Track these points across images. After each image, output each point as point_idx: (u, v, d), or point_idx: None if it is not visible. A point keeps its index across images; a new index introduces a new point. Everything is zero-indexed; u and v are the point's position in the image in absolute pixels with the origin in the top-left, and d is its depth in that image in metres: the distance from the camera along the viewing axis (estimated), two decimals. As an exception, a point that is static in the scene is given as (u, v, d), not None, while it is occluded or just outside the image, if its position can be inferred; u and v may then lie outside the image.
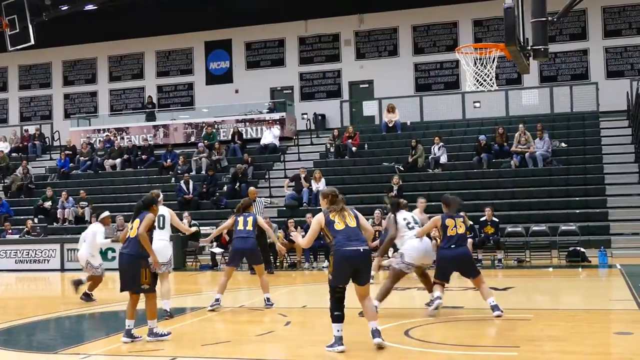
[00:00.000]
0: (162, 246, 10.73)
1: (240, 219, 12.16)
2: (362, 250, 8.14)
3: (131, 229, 9.29)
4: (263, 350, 8.95)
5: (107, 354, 8.77)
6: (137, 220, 9.22)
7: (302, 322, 11.11)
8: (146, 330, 9.22)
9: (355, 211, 8.50)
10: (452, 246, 10.54)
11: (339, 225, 8.23)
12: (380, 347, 8.07)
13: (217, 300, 11.89)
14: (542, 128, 23.70)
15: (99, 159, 28.93)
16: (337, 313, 8.17)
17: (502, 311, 10.23)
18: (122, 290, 9.34)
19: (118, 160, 28.64)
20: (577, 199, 21.55)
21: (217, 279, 18.13)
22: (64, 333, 11.22)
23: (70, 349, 8.99)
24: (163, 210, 11.31)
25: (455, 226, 10.57)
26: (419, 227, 11.00)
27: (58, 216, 25.29)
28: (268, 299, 12.02)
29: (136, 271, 9.03)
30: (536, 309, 11.73)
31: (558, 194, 21.91)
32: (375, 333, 8.13)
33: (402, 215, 11.19)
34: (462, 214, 10.88)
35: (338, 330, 8.15)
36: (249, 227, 12.05)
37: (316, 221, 8.39)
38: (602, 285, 15.40)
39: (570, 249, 18.73)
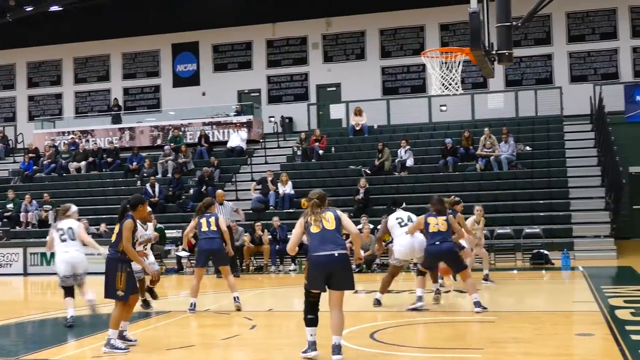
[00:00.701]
0: (70, 257, 10.82)
1: (203, 220, 12.19)
2: (336, 254, 7.82)
3: (114, 232, 9.07)
4: (228, 354, 8.92)
5: (70, 359, 8.67)
6: (118, 226, 8.97)
7: (268, 325, 11.09)
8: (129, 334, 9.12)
9: (339, 213, 8.13)
10: (437, 242, 11.27)
11: (314, 229, 7.96)
12: None
13: (192, 305, 11.92)
14: (507, 132, 23.92)
15: (63, 161, 28.62)
16: (310, 316, 7.92)
17: (484, 308, 11.01)
18: (105, 296, 9.09)
19: (83, 163, 28.36)
20: (541, 202, 21.78)
21: (183, 283, 18.10)
22: (26, 338, 11.08)
23: (32, 354, 8.88)
24: (72, 223, 11.18)
25: (437, 224, 11.31)
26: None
27: (21, 220, 24.96)
28: (236, 298, 12.06)
29: (113, 275, 8.80)
30: (500, 311, 11.82)
31: (522, 197, 22.13)
32: (336, 349, 7.74)
33: (396, 215, 11.98)
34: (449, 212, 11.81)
35: (311, 335, 7.91)
36: (213, 228, 12.10)
37: (298, 224, 8.15)
38: (564, 288, 15.57)
39: (534, 251, 18.92)
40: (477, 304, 11.01)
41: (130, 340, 9.06)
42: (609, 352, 8.02)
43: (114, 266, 8.79)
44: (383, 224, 12.48)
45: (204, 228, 12.10)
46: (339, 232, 8.02)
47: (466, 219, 14.11)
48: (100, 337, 9.83)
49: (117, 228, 8.98)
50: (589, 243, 20.15)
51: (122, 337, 9.01)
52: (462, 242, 13.97)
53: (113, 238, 9.00)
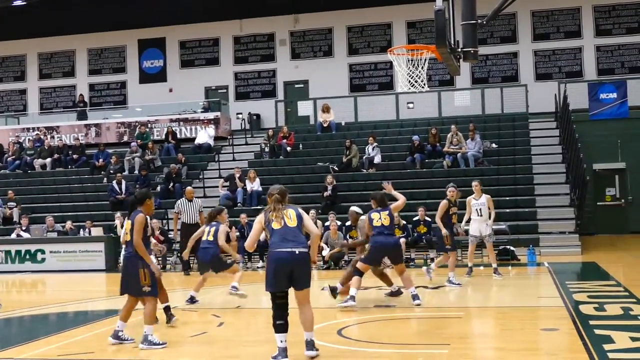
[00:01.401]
0: None
1: (207, 229, 12.52)
2: (297, 252, 7.70)
3: (125, 231, 9.03)
4: (196, 351, 8.89)
5: (36, 358, 8.59)
6: (129, 222, 8.94)
7: (236, 322, 11.07)
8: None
9: (301, 211, 8.03)
10: (386, 233, 11.42)
11: (275, 225, 7.82)
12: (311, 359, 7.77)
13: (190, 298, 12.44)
14: (474, 129, 24.12)
15: (28, 158, 28.28)
16: (279, 322, 7.70)
17: (421, 301, 11.26)
18: (121, 293, 9.11)
19: (48, 160, 28.04)
20: (507, 198, 21.98)
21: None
22: (-10, 337, 10.94)
23: (-3, 353, 8.78)
24: None
25: (380, 218, 11.47)
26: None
27: (-15, 217, 24.64)
28: (234, 287, 12.40)
29: (134, 272, 8.80)
30: (467, 307, 11.96)
31: (489, 194, 22.21)
32: (309, 345, 7.76)
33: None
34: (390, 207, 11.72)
35: (281, 341, 7.69)
36: (210, 238, 12.33)
37: (257, 220, 8.03)
38: (530, 283, 15.76)
39: (501, 247, 19.05)
40: (415, 296, 11.30)
41: (127, 340, 9.04)
42: (573, 347, 8.15)
43: (134, 263, 8.80)
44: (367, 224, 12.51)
45: (204, 237, 12.45)
46: (300, 230, 7.92)
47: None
48: (66, 335, 9.77)
49: (128, 225, 8.96)
50: (554, 239, 20.40)
51: (117, 337, 9.01)
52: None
53: (127, 237, 8.94)
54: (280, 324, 7.71)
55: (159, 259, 18.94)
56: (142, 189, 9.88)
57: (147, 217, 9.01)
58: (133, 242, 8.80)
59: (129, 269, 8.89)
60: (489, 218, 15.70)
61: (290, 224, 7.87)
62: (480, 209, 15.39)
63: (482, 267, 17.45)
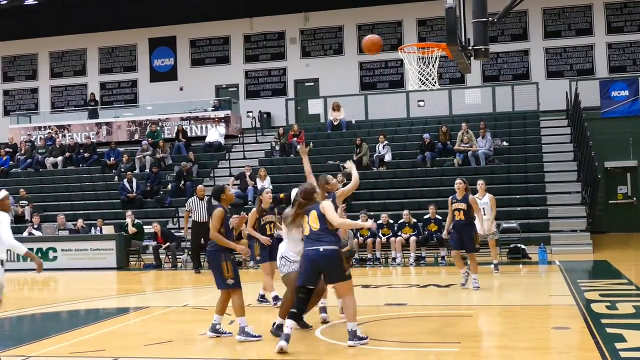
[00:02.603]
0: None
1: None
2: (321, 249, 8.19)
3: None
4: (206, 349, 8.91)
5: (47, 356, 8.62)
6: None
7: (246, 320, 11.06)
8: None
9: (321, 207, 8.40)
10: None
11: (304, 231, 8.45)
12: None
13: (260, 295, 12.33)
14: (484, 127, 24.07)
15: (39, 156, 28.40)
16: (292, 310, 8.23)
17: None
18: (218, 288, 9.23)
19: (60, 158, 28.16)
20: (517, 196, 21.93)
21: (161, 278, 18.07)
22: (3, 335, 10.99)
23: (9, 351, 8.81)
24: None
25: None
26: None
27: (-3, 215, 24.71)
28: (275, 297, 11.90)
29: (217, 266, 8.94)
30: (477, 305, 11.92)
31: (500, 192, 22.13)
32: (350, 334, 8.22)
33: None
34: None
35: (287, 327, 8.14)
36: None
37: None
38: (541, 282, 15.69)
39: (511, 245, 19.04)
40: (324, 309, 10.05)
41: (225, 333, 9.23)
42: (585, 345, 8.11)
43: (217, 257, 8.94)
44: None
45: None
46: (324, 229, 8.29)
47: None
48: (77, 333, 9.80)
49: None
50: (565, 237, 20.33)
51: (215, 330, 9.19)
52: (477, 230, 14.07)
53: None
54: (293, 312, 8.20)
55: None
56: (216, 185, 9.89)
57: (226, 209, 9.08)
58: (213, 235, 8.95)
59: (213, 263, 9.07)
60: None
61: (315, 227, 8.34)
62: (483, 209, 15.35)
63: (492, 266, 17.42)
